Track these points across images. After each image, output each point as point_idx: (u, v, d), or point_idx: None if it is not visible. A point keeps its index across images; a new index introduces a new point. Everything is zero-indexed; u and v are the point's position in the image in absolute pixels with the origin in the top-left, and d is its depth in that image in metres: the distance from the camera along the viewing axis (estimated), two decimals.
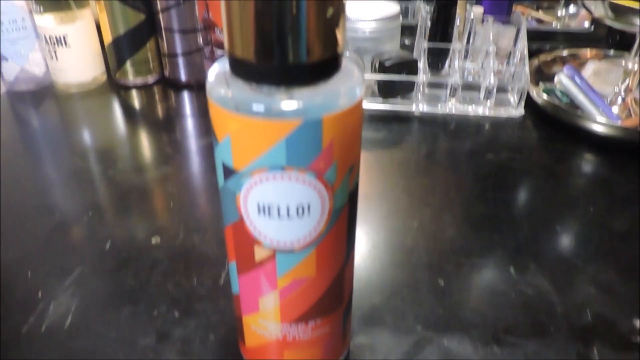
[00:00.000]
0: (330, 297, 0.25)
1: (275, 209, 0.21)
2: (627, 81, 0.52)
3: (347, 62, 0.22)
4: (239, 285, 0.25)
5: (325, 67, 0.20)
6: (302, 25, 0.18)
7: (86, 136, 0.52)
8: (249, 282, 0.24)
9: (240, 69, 0.20)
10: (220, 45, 0.58)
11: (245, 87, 0.20)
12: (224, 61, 0.21)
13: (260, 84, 0.20)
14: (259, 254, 0.23)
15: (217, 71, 0.21)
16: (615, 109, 0.52)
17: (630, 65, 0.52)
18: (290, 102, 0.19)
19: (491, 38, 0.55)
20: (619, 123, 0.49)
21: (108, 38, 0.57)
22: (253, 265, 0.24)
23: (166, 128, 0.53)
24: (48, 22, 0.54)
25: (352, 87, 0.21)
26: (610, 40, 0.67)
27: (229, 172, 0.21)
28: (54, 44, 0.55)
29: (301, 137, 0.20)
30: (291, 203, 0.21)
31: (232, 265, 0.25)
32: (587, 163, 0.48)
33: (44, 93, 0.59)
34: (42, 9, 0.54)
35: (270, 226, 0.22)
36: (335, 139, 0.20)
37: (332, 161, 0.21)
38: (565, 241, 0.38)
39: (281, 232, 0.22)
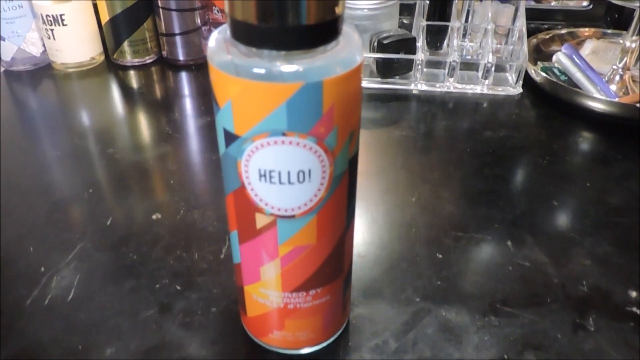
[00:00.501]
0: (331, 265, 0.25)
1: (277, 174, 0.22)
2: (624, 59, 0.52)
3: (347, 28, 0.22)
4: (241, 254, 0.25)
5: (325, 30, 0.20)
6: None
7: (84, 116, 0.52)
8: (250, 250, 0.25)
9: (241, 32, 0.20)
10: (218, 25, 0.58)
11: (246, 51, 0.20)
12: (224, 28, 0.21)
13: (260, 48, 0.20)
14: (260, 221, 0.23)
15: (217, 37, 0.21)
16: (613, 87, 0.52)
17: (628, 44, 0.52)
18: (290, 66, 0.20)
19: (489, 16, 0.55)
20: (616, 100, 0.49)
21: (105, 17, 0.57)
22: (254, 233, 0.24)
23: (165, 108, 0.53)
24: (44, 0, 0.54)
25: (351, 52, 0.21)
26: (608, 18, 0.67)
27: (230, 137, 0.22)
28: (51, 23, 0.54)
29: (302, 100, 0.20)
30: (292, 168, 0.21)
31: (234, 234, 0.25)
32: (585, 140, 0.48)
33: (41, 73, 0.59)
34: None
35: (271, 192, 0.22)
36: (335, 103, 0.21)
37: (333, 126, 0.21)
38: (562, 215, 0.39)
39: (282, 198, 0.22)
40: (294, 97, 0.20)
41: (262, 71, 0.20)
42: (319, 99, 0.20)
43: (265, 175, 0.22)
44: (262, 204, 0.23)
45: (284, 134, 0.21)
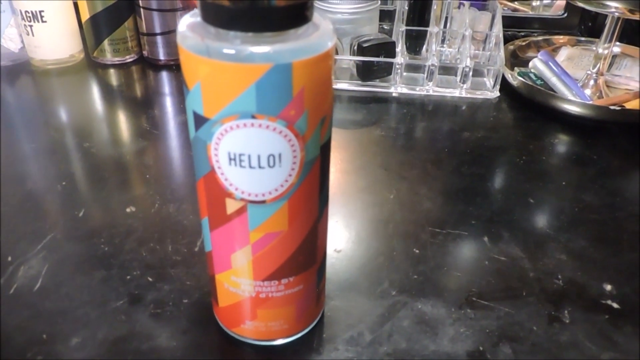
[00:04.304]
0: (304, 254, 0.25)
1: (246, 158, 0.21)
2: (598, 65, 0.53)
3: (319, 16, 0.22)
4: (212, 241, 0.25)
5: (294, 13, 0.20)
6: None
7: (62, 111, 0.51)
8: (221, 237, 0.24)
9: (211, 14, 0.20)
10: None
11: (216, 34, 0.20)
12: (195, 13, 0.21)
13: (230, 29, 0.20)
14: (231, 206, 0.23)
15: (188, 20, 0.21)
16: (587, 92, 0.53)
17: (600, 50, 0.53)
18: (260, 47, 0.20)
19: (467, 23, 0.56)
20: (591, 102, 0.50)
21: (85, 15, 0.57)
22: (225, 219, 0.24)
23: (144, 105, 0.53)
24: None
25: (322, 36, 0.21)
26: (582, 26, 0.68)
27: (199, 120, 0.21)
28: (30, 19, 0.54)
29: (271, 82, 0.20)
30: (262, 152, 0.21)
31: (205, 221, 0.25)
32: (560, 141, 0.49)
33: (19, 69, 0.58)
34: None
35: (241, 176, 0.22)
36: (305, 86, 0.21)
37: (303, 110, 0.21)
38: (538, 212, 0.39)
39: (252, 182, 0.22)
40: (263, 78, 0.20)
41: (232, 51, 0.20)
42: (288, 80, 0.20)
43: (235, 159, 0.22)
44: (232, 188, 0.22)
45: (253, 117, 0.21)
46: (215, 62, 0.20)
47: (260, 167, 0.22)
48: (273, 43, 0.20)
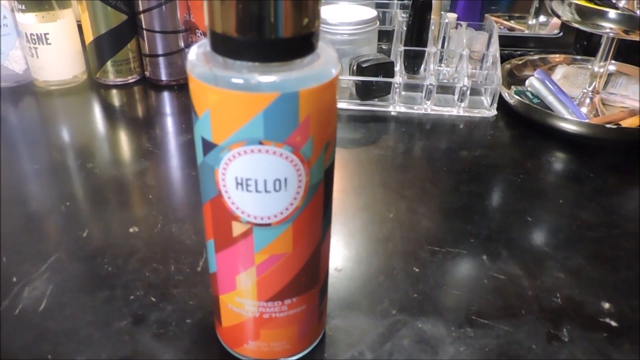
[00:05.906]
0: (307, 275, 0.26)
1: (253, 182, 0.22)
2: (594, 84, 0.55)
3: (323, 44, 0.22)
4: (217, 263, 0.25)
5: (301, 43, 0.21)
6: (279, 1, 0.19)
7: (65, 132, 0.52)
8: (227, 259, 0.25)
9: (220, 44, 0.21)
10: None
11: (224, 63, 0.21)
12: (204, 43, 0.22)
13: (238, 60, 0.21)
14: (237, 229, 0.24)
15: (197, 50, 0.22)
16: (583, 109, 0.54)
17: (596, 69, 0.54)
18: (267, 76, 0.20)
19: (464, 42, 0.57)
20: (587, 121, 0.51)
21: (89, 37, 0.58)
22: (231, 241, 0.24)
23: (146, 125, 0.53)
24: (29, 20, 0.54)
25: (327, 65, 0.22)
26: (577, 45, 0.70)
27: (208, 146, 0.22)
28: (35, 41, 0.55)
29: (278, 110, 0.20)
30: (268, 177, 0.22)
31: (210, 243, 0.25)
32: (557, 159, 0.49)
33: (23, 90, 0.59)
34: (24, 7, 0.54)
35: (248, 200, 0.22)
36: (311, 113, 0.21)
37: (309, 136, 0.22)
38: (536, 230, 0.40)
39: (258, 206, 0.23)
40: (271, 106, 0.20)
41: (240, 81, 0.20)
42: (295, 109, 0.21)
43: (242, 184, 0.22)
44: (239, 212, 0.23)
45: (260, 143, 0.21)
46: (224, 91, 0.20)
47: (266, 191, 0.22)
48: (280, 72, 0.20)
